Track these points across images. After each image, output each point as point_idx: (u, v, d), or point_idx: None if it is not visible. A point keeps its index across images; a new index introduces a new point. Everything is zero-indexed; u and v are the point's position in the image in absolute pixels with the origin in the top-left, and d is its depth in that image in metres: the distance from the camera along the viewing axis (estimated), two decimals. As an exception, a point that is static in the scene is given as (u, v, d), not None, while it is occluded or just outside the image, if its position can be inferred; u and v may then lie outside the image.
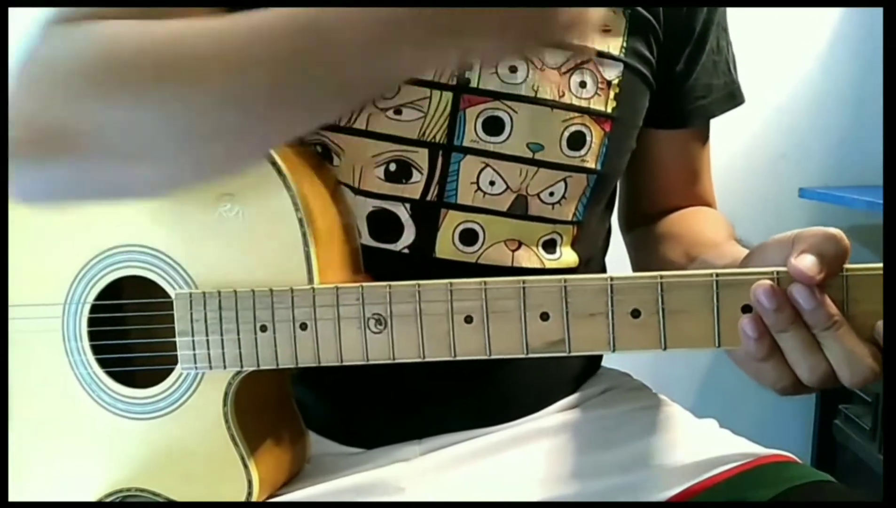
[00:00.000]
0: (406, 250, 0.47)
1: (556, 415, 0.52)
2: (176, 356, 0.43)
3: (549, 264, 0.49)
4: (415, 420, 0.50)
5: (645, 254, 0.57)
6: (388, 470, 0.49)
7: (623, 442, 0.50)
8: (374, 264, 0.47)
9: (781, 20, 1.26)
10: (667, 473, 0.47)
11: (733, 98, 0.56)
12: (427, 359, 0.40)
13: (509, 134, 0.47)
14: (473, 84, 0.46)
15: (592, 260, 0.54)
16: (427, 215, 0.47)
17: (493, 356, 0.39)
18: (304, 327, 0.41)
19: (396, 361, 0.40)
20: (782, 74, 1.29)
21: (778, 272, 0.35)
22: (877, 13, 1.23)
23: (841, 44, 1.28)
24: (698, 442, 0.49)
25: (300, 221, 0.42)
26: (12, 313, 0.47)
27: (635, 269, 0.60)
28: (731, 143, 1.26)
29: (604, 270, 0.58)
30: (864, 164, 1.29)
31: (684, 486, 0.46)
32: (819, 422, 1.25)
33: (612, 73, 0.48)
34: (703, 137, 0.58)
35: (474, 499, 0.47)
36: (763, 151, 1.29)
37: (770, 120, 1.29)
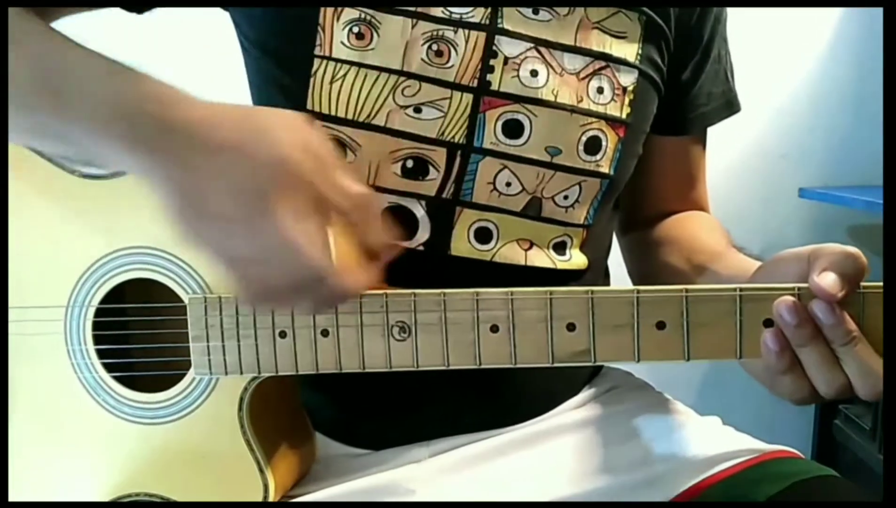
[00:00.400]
0: (421, 247, 0.48)
1: (563, 415, 0.53)
2: (185, 360, 0.43)
3: (560, 265, 0.50)
4: (422, 422, 0.51)
5: (642, 257, 0.58)
6: (398, 473, 0.49)
7: (630, 440, 0.51)
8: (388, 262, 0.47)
9: (781, 21, 1.26)
10: (675, 469, 0.48)
11: (731, 106, 0.58)
12: (451, 367, 0.40)
13: (528, 137, 0.47)
14: (494, 87, 0.46)
15: (598, 262, 0.55)
16: (442, 212, 0.47)
17: (518, 365, 0.39)
18: (325, 333, 0.40)
19: (420, 368, 0.40)
20: (782, 75, 1.29)
21: (799, 288, 0.36)
22: (877, 13, 1.24)
23: (841, 44, 1.29)
24: (704, 439, 0.50)
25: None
26: (13, 314, 0.46)
27: (630, 270, 0.61)
28: (731, 143, 1.27)
29: (606, 272, 0.58)
30: (864, 164, 1.30)
31: (692, 482, 0.47)
32: (819, 422, 1.27)
33: (628, 79, 0.49)
34: (702, 143, 0.59)
35: (485, 500, 0.48)
36: (763, 151, 1.30)
37: (770, 120, 1.30)
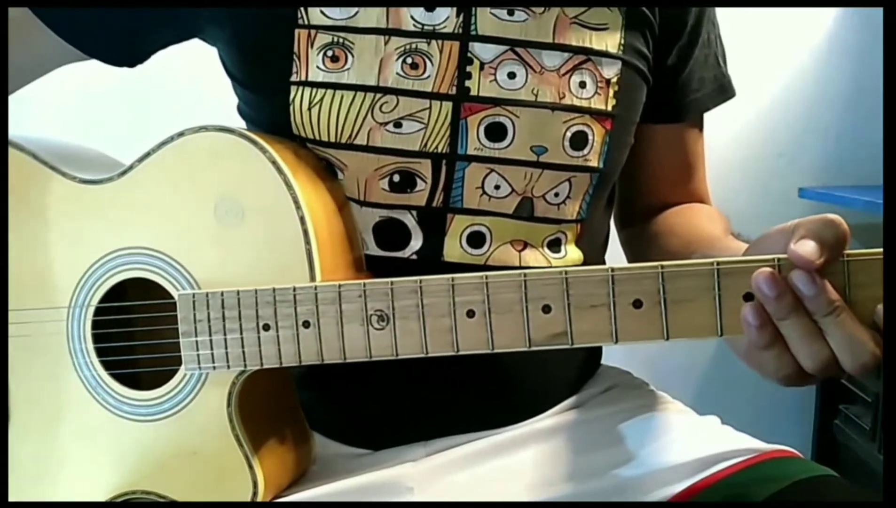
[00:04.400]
0: (414, 257, 0.48)
1: (560, 415, 0.53)
2: (180, 357, 0.44)
3: (555, 263, 0.50)
4: (420, 422, 0.50)
5: (642, 250, 0.57)
6: (395, 471, 0.49)
7: (627, 440, 0.50)
8: (382, 273, 0.47)
9: (779, 19, 1.26)
10: (672, 470, 0.47)
11: (724, 91, 0.57)
12: (430, 354, 0.40)
13: (512, 139, 0.47)
14: (473, 92, 0.47)
15: (595, 255, 0.54)
16: (434, 220, 0.48)
17: (495, 350, 0.39)
18: (306, 324, 0.41)
19: (399, 357, 0.40)
20: (782, 74, 1.29)
21: (779, 260, 0.35)
22: (876, 12, 1.23)
23: (841, 43, 1.28)
24: (702, 439, 0.49)
25: (301, 219, 0.42)
26: (16, 317, 0.48)
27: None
28: (730, 143, 1.26)
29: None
30: (864, 163, 1.29)
31: (689, 482, 0.46)
32: (819, 422, 1.24)
33: (611, 71, 0.48)
34: (698, 130, 0.58)
35: (482, 499, 0.47)
36: (762, 150, 1.29)
37: (769, 120, 1.29)
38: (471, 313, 0.39)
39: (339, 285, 0.41)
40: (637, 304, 0.37)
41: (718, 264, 0.36)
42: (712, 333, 0.36)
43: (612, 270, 0.37)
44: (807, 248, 0.34)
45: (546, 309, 0.38)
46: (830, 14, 1.29)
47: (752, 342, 0.36)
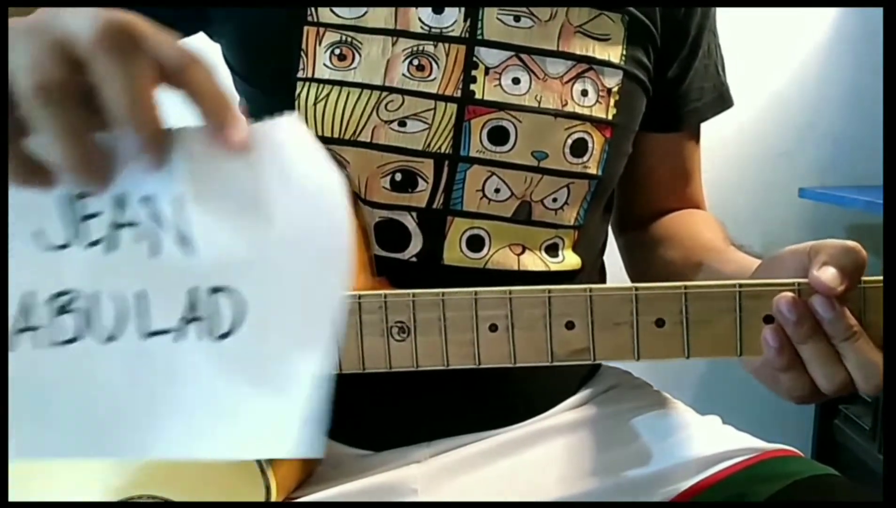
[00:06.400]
0: (414, 259, 0.48)
1: (562, 415, 0.53)
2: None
3: (553, 267, 0.50)
4: (423, 423, 0.51)
5: (640, 256, 0.59)
6: (400, 472, 0.49)
7: (629, 440, 0.51)
8: (382, 273, 0.47)
9: (780, 19, 1.27)
10: (674, 469, 0.48)
11: (723, 101, 0.58)
12: (451, 367, 0.40)
13: (514, 143, 0.47)
14: (478, 96, 0.47)
15: (592, 262, 0.55)
16: (434, 222, 0.48)
17: (517, 365, 0.39)
18: (325, 334, 0.41)
19: (420, 369, 0.40)
20: (782, 75, 1.30)
21: (799, 284, 0.36)
22: (876, 12, 1.25)
23: (840, 43, 1.30)
24: (703, 438, 0.50)
25: (320, 227, 0.42)
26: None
27: (629, 270, 0.61)
28: (731, 143, 1.27)
29: (602, 271, 0.58)
30: (864, 164, 1.31)
31: (691, 482, 0.47)
32: (819, 422, 1.27)
33: (612, 80, 0.49)
34: (695, 139, 0.59)
35: (487, 500, 0.48)
36: (762, 150, 1.31)
37: (770, 120, 1.31)
38: (493, 328, 0.39)
39: (360, 296, 0.40)
40: (660, 323, 0.37)
41: (741, 286, 0.37)
42: (732, 352, 0.37)
43: (636, 289, 0.38)
44: (828, 275, 0.35)
45: (569, 325, 0.38)
46: (831, 14, 1.30)
47: (772, 364, 0.37)
